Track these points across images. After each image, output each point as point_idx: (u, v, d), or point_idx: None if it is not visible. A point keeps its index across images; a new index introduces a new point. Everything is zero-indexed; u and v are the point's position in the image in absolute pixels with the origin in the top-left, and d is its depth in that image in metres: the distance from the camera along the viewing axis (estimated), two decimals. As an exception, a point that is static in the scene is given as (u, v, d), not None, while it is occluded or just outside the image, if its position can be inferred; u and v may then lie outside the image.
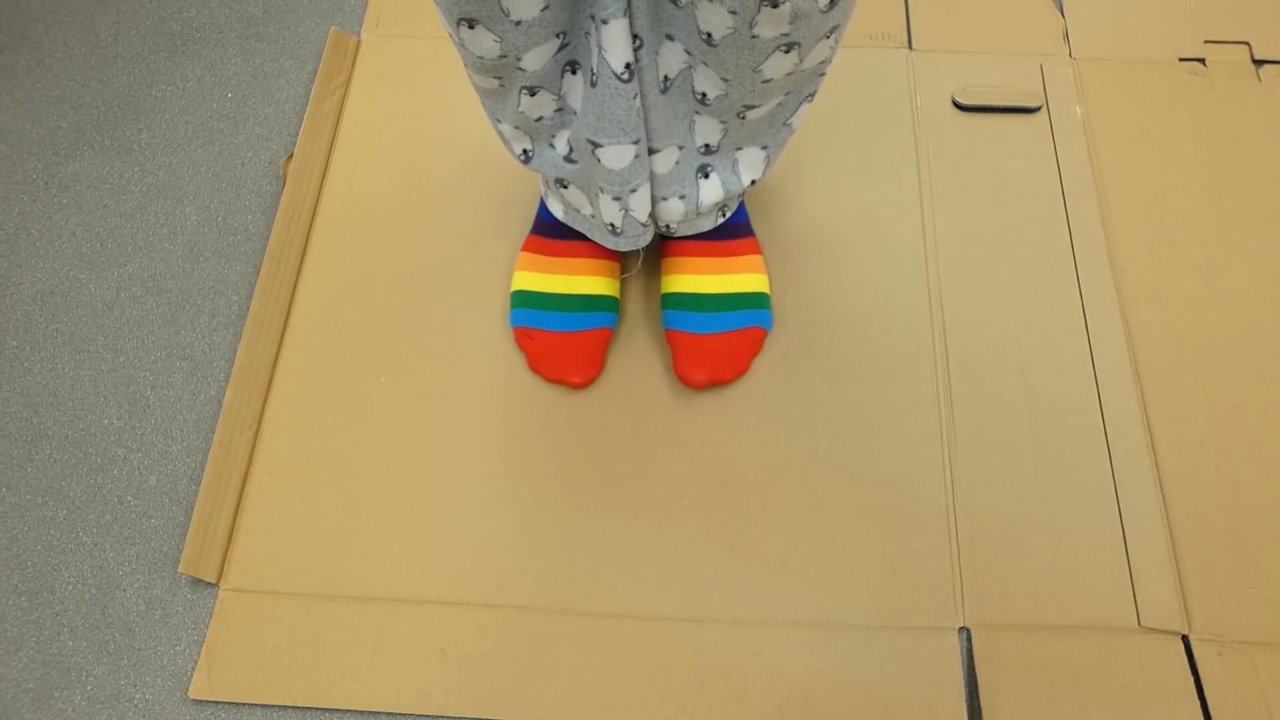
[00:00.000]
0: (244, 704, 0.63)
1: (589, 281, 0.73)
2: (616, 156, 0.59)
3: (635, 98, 0.55)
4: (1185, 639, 0.63)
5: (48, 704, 0.64)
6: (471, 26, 0.52)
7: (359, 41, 0.91)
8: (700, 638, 0.64)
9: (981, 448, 0.70)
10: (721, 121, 0.59)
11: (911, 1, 0.92)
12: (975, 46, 0.89)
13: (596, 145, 0.59)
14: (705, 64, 0.54)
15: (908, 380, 0.73)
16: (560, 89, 0.59)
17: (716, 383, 0.71)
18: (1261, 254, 0.77)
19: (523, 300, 0.74)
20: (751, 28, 0.49)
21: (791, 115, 0.61)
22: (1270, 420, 0.70)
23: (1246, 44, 0.88)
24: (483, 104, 0.62)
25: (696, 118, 0.60)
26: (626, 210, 0.64)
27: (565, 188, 0.67)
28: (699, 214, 0.68)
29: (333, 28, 0.90)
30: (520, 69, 0.56)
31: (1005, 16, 0.91)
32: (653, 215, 0.67)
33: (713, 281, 0.72)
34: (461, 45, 0.54)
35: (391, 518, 0.69)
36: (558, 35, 0.54)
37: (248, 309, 0.77)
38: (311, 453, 0.71)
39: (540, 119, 0.61)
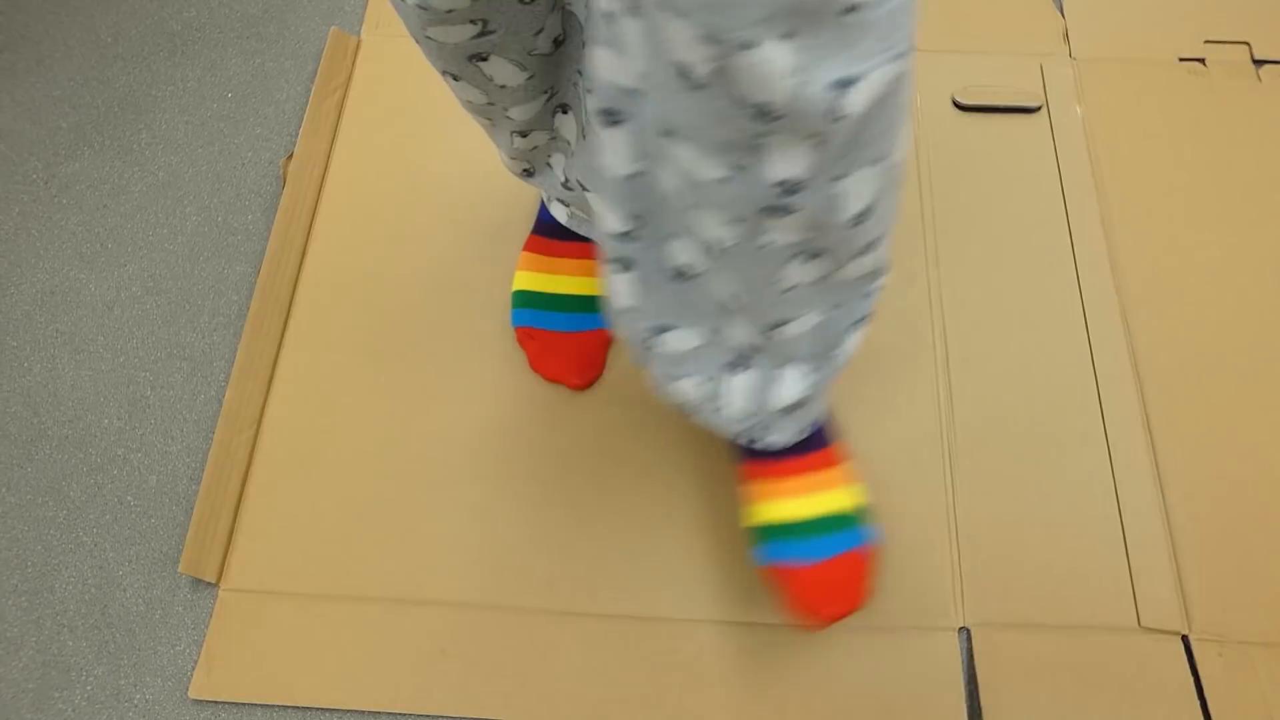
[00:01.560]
0: (244, 704, 0.63)
1: (590, 282, 0.73)
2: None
3: None
4: (1185, 639, 0.63)
5: (48, 704, 0.64)
6: (456, 80, 0.52)
7: (359, 41, 0.91)
8: (700, 638, 0.64)
9: (981, 448, 0.70)
10: (755, 325, 0.48)
11: (911, 1, 0.92)
12: (975, 46, 0.89)
13: (585, 189, 0.59)
14: (718, 271, 0.44)
15: (908, 380, 0.73)
16: (553, 125, 0.59)
17: (849, 614, 0.59)
18: (1261, 254, 0.77)
19: (524, 300, 0.74)
20: (757, 236, 0.40)
21: (838, 344, 0.50)
22: (1270, 421, 0.70)
23: (1246, 44, 0.88)
24: None
25: (724, 318, 0.49)
26: None
27: (567, 204, 0.67)
28: (717, 410, 0.55)
29: (333, 28, 0.90)
30: (509, 118, 0.56)
31: (1005, 16, 0.91)
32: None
33: (809, 503, 0.61)
34: (451, 90, 0.54)
35: (391, 518, 0.69)
36: (544, 92, 0.54)
37: (248, 309, 0.77)
38: (311, 453, 0.71)
39: (535, 149, 0.61)
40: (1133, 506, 0.67)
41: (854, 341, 0.50)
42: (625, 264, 0.47)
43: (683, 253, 0.45)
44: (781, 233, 0.39)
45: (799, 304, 0.46)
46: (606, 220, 0.45)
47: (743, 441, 0.59)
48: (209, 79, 0.91)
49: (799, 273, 0.43)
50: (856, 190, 0.37)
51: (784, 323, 0.47)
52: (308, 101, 0.87)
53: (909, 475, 0.69)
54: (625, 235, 0.45)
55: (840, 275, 0.44)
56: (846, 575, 0.60)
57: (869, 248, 0.42)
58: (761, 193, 0.37)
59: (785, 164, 0.35)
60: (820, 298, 0.46)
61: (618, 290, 0.49)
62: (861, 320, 0.49)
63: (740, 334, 0.49)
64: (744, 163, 0.36)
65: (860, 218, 0.39)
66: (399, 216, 0.81)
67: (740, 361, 0.52)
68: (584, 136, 0.56)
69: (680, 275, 0.46)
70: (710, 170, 0.37)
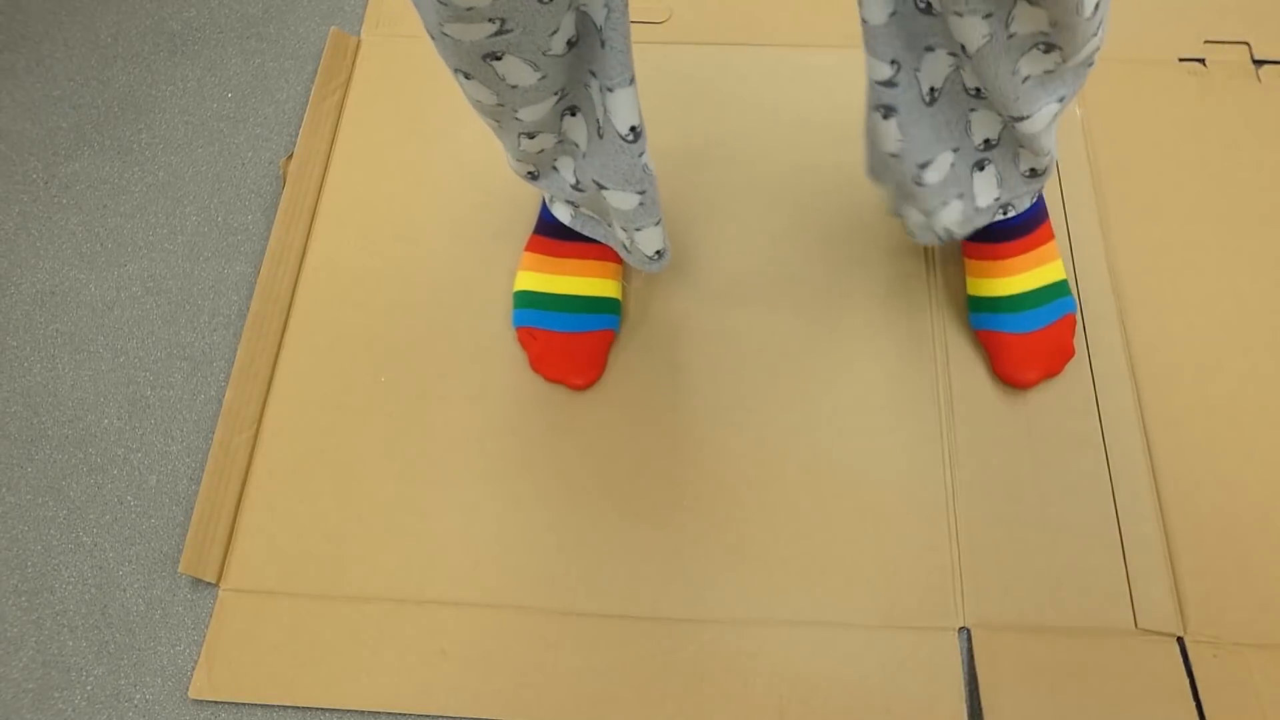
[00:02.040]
0: (244, 704, 0.63)
1: (592, 283, 0.73)
2: (621, 200, 0.60)
3: (640, 155, 0.55)
4: (1181, 641, 0.63)
5: (48, 704, 0.64)
6: (468, 78, 0.52)
7: (359, 41, 0.91)
8: (700, 638, 0.64)
9: (981, 448, 0.70)
10: (999, 115, 0.57)
11: (911, 1, 0.92)
12: (975, 47, 0.89)
13: (602, 187, 0.59)
14: (968, 73, 0.52)
15: (908, 380, 0.73)
16: (560, 129, 0.59)
17: (1049, 376, 0.70)
18: (1261, 254, 0.77)
19: (526, 300, 0.74)
20: (1008, 26, 0.47)
21: (1072, 88, 0.57)
22: (1268, 423, 0.70)
23: (1246, 44, 0.88)
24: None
25: (972, 115, 0.57)
26: (633, 242, 0.64)
27: (575, 205, 0.68)
28: (976, 212, 0.65)
29: (333, 28, 0.90)
30: (518, 119, 0.56)
31: (1005, 17, 0.91)
32: (659, 250, 0.65)
33: (1020, 281, 0.70)
34: (462, 89, 0.54)
35: (391, 518, 0.69)
36: (555, 93, 0.54)
37: (248, 309, 0.77)
38: (311, 453, 0.71)
39: (542, 151, 0.61)
40: (1129, 508, 0.67)
41: (1081, 83, 0.56)
42: (888, 110, 0.56)
43: (936, 70, 0.53)
44: (1027, 22, 0.47)
45: (1034, 97, 0.53)
46: (873, 69, 0.53)
47: (955, 235, 0.67)
48: (209, 79, 0.91)
49: (1034, 63, 0.50)
50: None
51: (1021, 119, 0.54)
52: (308, 101, 0.87)
53: (909, 475, 0.69)
54: (888, 82, 0.53)
55: (1068, 62, 0.51)
56: (1050, 344, 0.70)
57: (1097, 31, 0.49)
58: None
59: None
60: (1052, 88, 0.53)
61: (886, 135, 0.58)
62: (1088, 65, 0.55)
63: (985, 128, 0.58)
64: None
65: (1095, 9, 0.45)
66: (399, 216, 0.81)
67: (982, 162, 0.61)
68: (600, 137, 0.56)
69: (934, 96, 0.55)
70: None
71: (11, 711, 0.64)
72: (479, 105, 0.55)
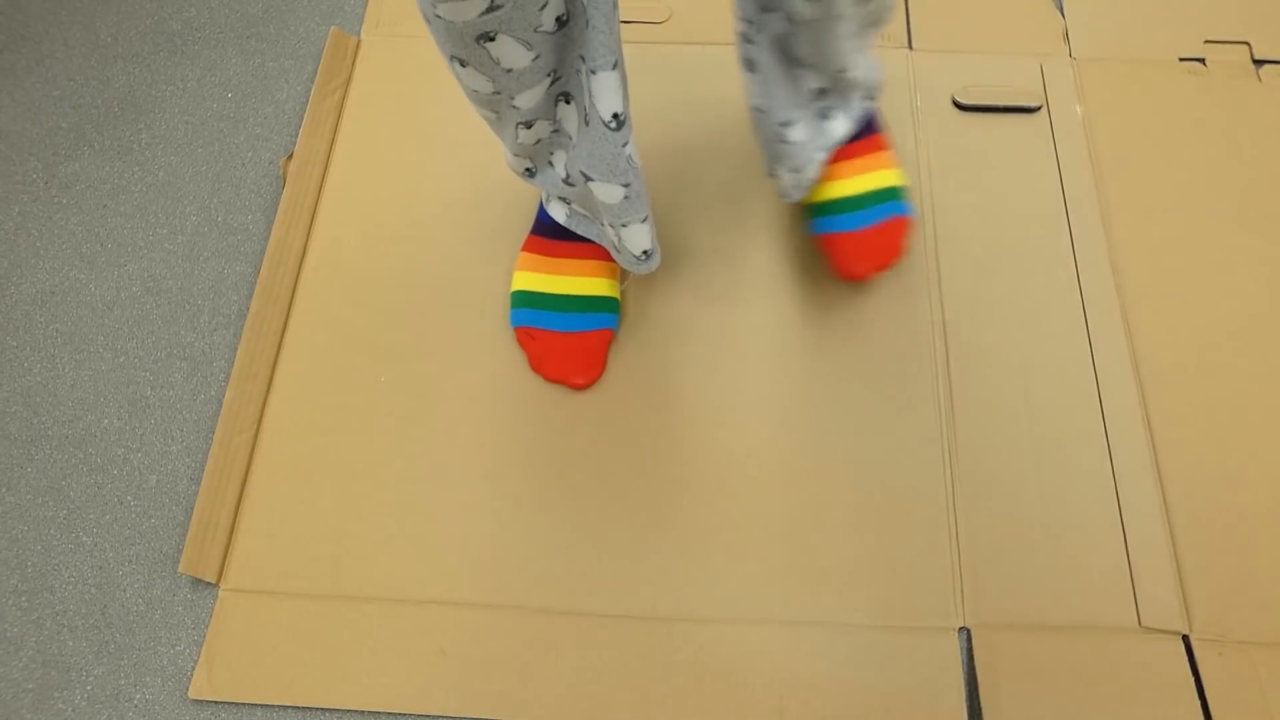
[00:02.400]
0: (244, 704, 0.63)
1: (590, 283, 0.73)
2: (607, 193, 0.60)
3: (624, 145, 0.56)
4: (1185, 639, 0.63)
5: (48, 704, 0.64)
6: (464, 65, 0.52)
7: (359, 41, 0.91)
8: (700, 638, 0.64)
9: (981, 448, 0.70)
10: (826, 75, 0.64)
11: (911, 1, 0.92)
12: (975, 46, 0.89)
13: (589, 178, 0.59)
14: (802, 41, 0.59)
15: (908, 380, 0.73)
16: (555, 116, 0.59)
17: (880, 269, 0.72)
18: (1261, 254, 0.77)
19: (523, 300, 0.74)
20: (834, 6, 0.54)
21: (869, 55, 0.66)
22: (1270, 420, 0.70)
23: (1246, 44, 0.88)
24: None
25: (799, 71, 0.65)
26: (621, 239, 0.65)
27: (569, 203, 0.68)
28: (830, 145, 0.71)
29: (333, 28, 0.90)
30: (514, 107, 0.56)
31: (1005, 16, 0.91)
32: (647, 250, 0.67)
33: (854, 184, 0.74)
34: (458, 79, 0.55)
35: (391, 518, 0.69)
36: (549, 75, 0.54)
37: (248, 309, 0.77)
38: (311, 453, 0.71)
39: (539, 142, 0.62)
40: (1133, 506, 0.67)
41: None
42: (750, 64, 0.63)
43: (776, 29, 0.60)
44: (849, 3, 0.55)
45: (854, 54, 0.62)
46: (735, 21, 0.62)
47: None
48: (209, 79, 0.91)
49: (858, 31, 0.59)
50: None
51: (844, 70, 0.63)
52: (308, 101, 0.87)
53: (909, 475, 0.69)
54: (745, 36, 0.61)
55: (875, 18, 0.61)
56: (880, 239, 0.73)
57: None
58: None
59: None
60: (865, 40, 0.62)
61: (750, 89, 0.66)
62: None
63: (815, 80, 0.65)
64: None
65: None
66: (399, 216, 0.81)
67: (825, 110, 0.69)
68: (586, 124, 0.56)
69: (781, 46, 0.61)
70: None
71: (11, 711, 0.64)
72: (476, 96, 0.55)
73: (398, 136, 0.85)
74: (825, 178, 0.74)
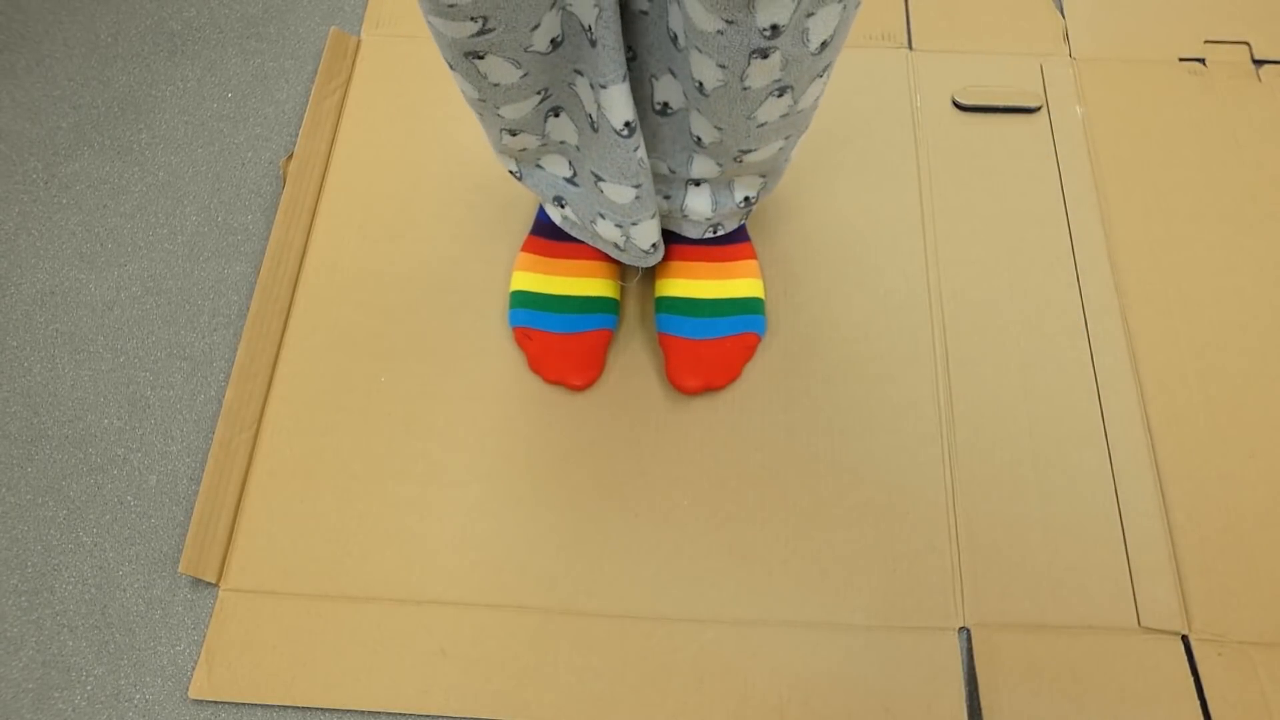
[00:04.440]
0: (244, 704, 0.63)
1: (589, 283, 0.73)
2: (619, 193, 0.60)
3: (636, 150, 0.56)
4: (1185, 639, 0.63)
5: (48, 704, 0.64)
6: (453, 69, 0.53)
7: (359, 41, 0.91)
8: (700, 638, 0.64)
9: (981, 448, 0.70)
10: (719, 164, 0.60)
11: (911, 1, 0.92)
12: (975, 46, 0.89)
13: (600, 179, 0.59)
14: (699, 110, 0.54)
15: (908, 380, 0.73)
16: (544, 130, 0.59)
17: (709, 388, 0.71)
18: (1261, 254, 0.77)
19: (522, 300, 0.74)
20: (742, 80, 0.49)
21: (789, 154, 0.61)
22: (1270, 420, 0.70)
23: (1246, 44, 0.88)
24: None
25: (695, 156, 0.60)
26: (629, 237, 0.65)
27: (563, 206, 0.68)
28: (684, 217, 0.68)
29: (333, 28, 0.90)
30: (499, 115, 0.56)
31: (1005, 16, 0.91)
32: (655, 244, 0.67)
33: (707, 287, 0.72)
34: (451, 76, 0.55)
35: (391, 518, 0.69)
36: (538, 93, 0.54)
37: (248, 309, 0.77)
38: (311, 453, 0.71)
39: (524, 150, 0.62)
40: (1133, 506, 0.67)
41: (798, 148, 0.62)
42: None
43: (667, 91, 0.55)
44: (762, 75, 0.48)
45: (767, 137, 0.55)
46: (614, 117, 0.55)
47: (694, 233, 0.71)
48: (209, 79, 0.91)
49: (770, 110, 0.52)
50: (824, 23, 0.46)
51: (750, 151, 0.57)
52: (308, 101, 0.87)
53: (909, 475, 0.69)
54: (628, 126, 0.55)
55: (799, 106, 0.53)
56: (723, 355, 0.70)
57: (823, 72, 0.51)
58: (752, 39, 0.45)
59: (771, 11, 0.43)
60: (784, 129, 0.55)
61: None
62: (805, 129, 0.59)
63: (705, 168, 0.61)
64: (737, 16, 0.44)
65: (823, 46, 0.48)
66: (399, 216, 0.81)
67: (699, 181, 0.64)
68: (595, 131, 0.56)
69: (666, 110, 0.57)
70: (709, 24, 0.45)
71: (11, 711, 0.64)
72: (464, 95, 0.56)
73: (398, 136, 0.85)
74: (681, 273, 0.72)
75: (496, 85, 0.52)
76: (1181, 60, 0.88)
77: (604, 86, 0.51)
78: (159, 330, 0.78)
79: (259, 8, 0.95)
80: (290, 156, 0.83)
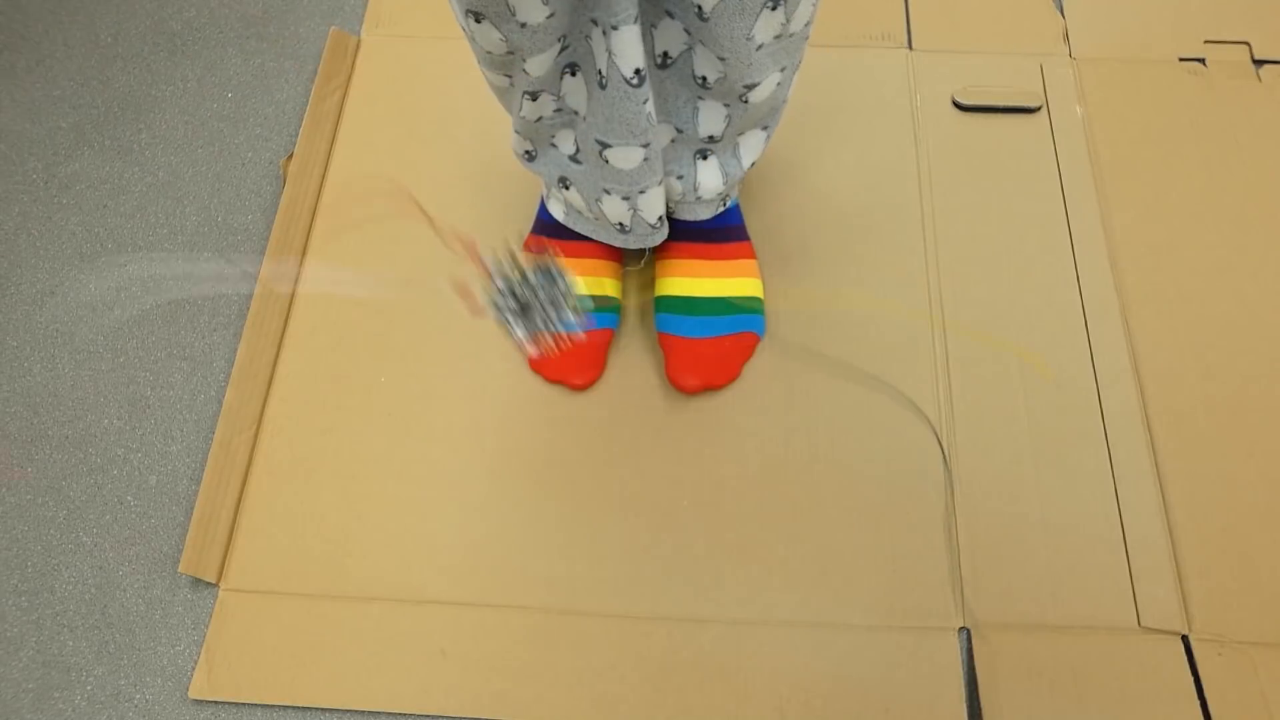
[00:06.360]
0: (244, 704, 0.63)
1: (589, 282, 0.73)
2: (625, 157, 0.59)
3: (645, 102, 0.56)
4: (1185, 639, 0.63)
5: (48, 704, 0.64)
6: (479, 20, 0.52)
7: (359, 41, 0.91)
8: (700, 638, 0.64)
9: (981, 447, 0.70)
10: (725, 106, 0.59)
11: (911, 1, 0.92)
12: (975, 46, 0.89)
13: (605, 146, 0.59)
14: (702, 43, 0.54)
15: (908, 379, 0.73)
16: (560, 90, 0.59)
17: (708, 387, 0.71)
18: (1261, 254, 0.77)
19: (522, 300, 0.74)
20: None
21: (787, 90, 0.61)
22: (1270, 420, 0.70)
23: (1246, 44, 0.88)
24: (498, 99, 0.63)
25: (700, 104, 0.60)
26: (635, 210, 0.64)
27: (568, 188, 0.67)
28: (698, 198, 0.68)
29: (333, 28, 0.90)
30: (525, 71, 0.56)
31: (1005, 16, 0.91)
32: (661, 217, 0.67)
33: (706, 285, 0.72)
34: (472, 39, 0.55)
35: (391, 518, 0.69)
36: (559, 39, 0.54)
37: (248, 309, 0.77)
38: (311, 453, 0.71)
39: (540, 119, 0.61)
40: (1133, 506, 0.67)
41: (793, 85, 0.61)
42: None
43: (666, 37, 0.55)
44: None
45: (764, 66, 0.55)
46: (624, 63, 0.54)
47: (673, 211, 0.70)
48: (209, 79, 0.91)
49: (766, 26, 0.52)
50: None
51: (752, 87, 0.57)
52: (308, 101, 0.87)
53: (909, 476, 0.69)
54: (638, 74, 0.54)
55: (791, 26, 0.53)
56: (722, 354, 0.71)
57: None
58: None
59: None
60: (779, 57, 0.56)
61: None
62: (797, 65, 0.59)
63: (710, 122, 0.61)
64: None
65: None
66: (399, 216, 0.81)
67: (705, 152, 0.64)
68: (603, 88, 0.56)
69: (666, 61, 0.57)
70: None
71: (11, 711, 0.64)
72: (489, 59, 0.55)
73: (398, 136, 0.85)
74: (681, 271, 0.72)
75: (524, 25, 0.52)
76: (1181, 60, 0.88)
77: (615, 28, 0.51)
78: (159, 330, 0.78)
79: (259, 8, 0.95)
80: (290, 156, 0.83)
